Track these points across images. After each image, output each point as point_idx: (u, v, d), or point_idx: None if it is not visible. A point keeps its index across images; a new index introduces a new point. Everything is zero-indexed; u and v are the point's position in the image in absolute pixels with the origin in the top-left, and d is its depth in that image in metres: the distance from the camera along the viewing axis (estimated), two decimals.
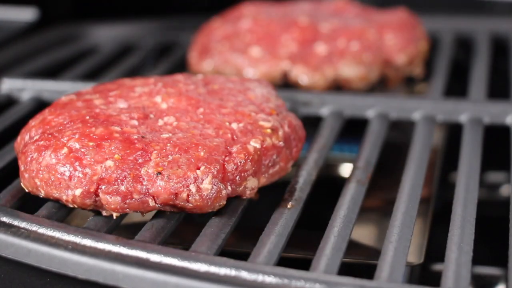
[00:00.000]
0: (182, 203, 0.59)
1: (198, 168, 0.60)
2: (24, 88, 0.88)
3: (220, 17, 1.00)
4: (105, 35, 1.14)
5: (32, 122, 0.66)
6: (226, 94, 0.70)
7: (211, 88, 0.71)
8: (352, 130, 0.83)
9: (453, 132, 0.87)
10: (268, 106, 0.68)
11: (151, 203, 0.59)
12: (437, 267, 0.79)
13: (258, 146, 0.63)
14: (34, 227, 0.59)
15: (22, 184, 0.63)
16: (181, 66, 1.01)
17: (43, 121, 0.65)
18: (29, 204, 0.64)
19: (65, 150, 0.60)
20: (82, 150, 0.60)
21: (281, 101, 0.71)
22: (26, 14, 1.16)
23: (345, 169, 0.86)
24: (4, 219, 0.60)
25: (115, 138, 0.61)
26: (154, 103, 0.67)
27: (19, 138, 0.66)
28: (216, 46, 0.94)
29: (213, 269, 0.54)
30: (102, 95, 0.68)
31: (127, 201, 0.59)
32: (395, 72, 0.93)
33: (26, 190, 0.63)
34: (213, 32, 0.97)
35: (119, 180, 0.59)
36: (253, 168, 0.62)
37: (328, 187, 0.76)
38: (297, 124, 0.69)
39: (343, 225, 0.60)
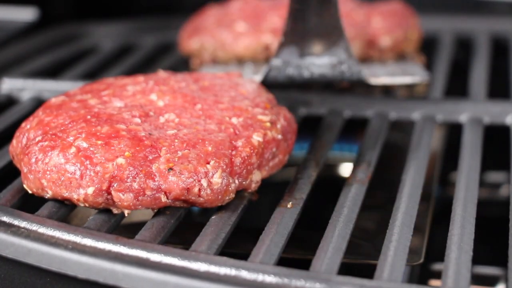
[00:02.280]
0: (194, 198, 0.60)
1: (208, 163, 0.60)
2: (24, 88, 0.88)
3: (214, 4, 1.03)
4: (105, 35, 1.14)
5: (27, 125, 0.66)
6: (219, 90, 0.70)
7: (202, 84, 0.71)
8: (352, 130, 0.83)
9: (453, 132, 0.87)
10: (262, 101, 0.69)
11: (163, 199, 0.60)
12: (437, 266, 0.79)
13: (261, 139, 0.64)
14: (34, 227, 0.59)
15: (25, 185, 0.63)
16: (181, 66, 1.01)
17: (40, 122, 0.65)
18: (30, 203, 0.64)
19: (73, 149, 0.61)
20: (91, 149, 0.61)
21: (271, 95, 0.72)
22: (26, 14, 1.16)
23: (345, 169, 0.87)
24: (5, 218, 0.60)
25: (123, 136, 0.61)
26: (150, 101, 0.68)
27: (14, 141, 0.66)
28: (206, 26, 0.97)
29: (213, 268, 0.54)
30: (94, 95, 0.69)
31: (140, 197, 0.60)
32: (379, 54, 0.94)
33: (30, 192, 0.63)
34: (205, 15, 1.00)
35: (131, 177, 0.59)
36: (258, 162, 0.63)
37: (328, 187, 0.76)
38: (290, 117, 0.70)
39: (343, 225, 0.60)
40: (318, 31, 0.77)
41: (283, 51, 0.78)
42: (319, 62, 0.78)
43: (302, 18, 0.77)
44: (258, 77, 0.81)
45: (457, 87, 0.94)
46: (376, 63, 0.94)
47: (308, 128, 0.79)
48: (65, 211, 0.62)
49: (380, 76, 0.85)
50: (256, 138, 0.64)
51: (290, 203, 0.63)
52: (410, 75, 0.87)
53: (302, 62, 0.79)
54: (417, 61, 0.95)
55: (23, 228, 0.59)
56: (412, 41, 0.96)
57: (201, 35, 0.96)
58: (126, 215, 0.61)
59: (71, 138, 0.62)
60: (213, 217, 0.61)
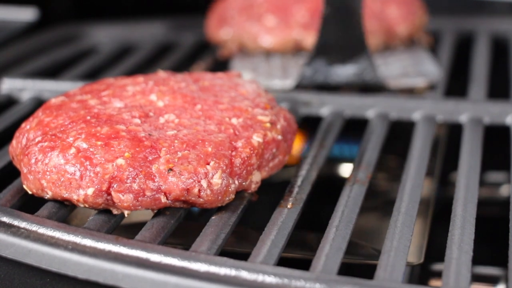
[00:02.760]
0: (194, 199, 0.60)
1: (208, 164, 0.60)
2: (24, 88, 0.88)
3: None
4: (105, 35, 1.14)
5: (27, 125, 0.66)
6: (219, 90, 0.70)
7: (202, 84, 0.71)
8: (352, 130, 0.83)
9: (453, 132, 0.87)
10: (261, 101, 0.69)
11: (163, 199, 0.60)
12: (437, 267, 0.79)
13: (261, 140, 0.64)
14: (34, 227, 0.59)
15: (25, 186, 0.63)
16: (181, 66, 1.01)
17: (40, 123, 0.65)
18: (30, 204, 0.64)
19: (73, 150, 0.61)
20: (91, 149, 0.60)
21: (270, 96, 0.72)
22: (26, 14, 1.16)
23: (345, 169, 0.86)
24: (4, 219, 0.60)
25: (123, 137, 0.61)
26: (150, 102, 0.68)
27: (14, 142, 0.66)
28: (233, 15, 1.00)
29: (213, 269, 0.54)
30: (94, 96, 0.69)
31: (140, 198, 0.59)
32: (398, 42, 0.99)
33: (30, 192, 0.63)
34: (229, 2, 1.03)
35: (131, 178, 0.59)
36: (258, 162, 0.63)
37: (328, 187, 0.76)
38: (290, 117, 0.70)
39: (343, 225, 0.60)
40: (344, 44, 0.87)
41: (313, 62, 0.88)
42: (344, 72, 0.87)
43: (330, 34, 0.87)
44: (289, 82, 0.89)
45: (457, 87, 0.94)
46: (388, 53, 0.98)
47: (308, 128, 0.79)
48: (65, 212, 0.62)
49: (396, 77, 0.91)
50: (256, 138, 0.64)
51: (290, 203, 0.63)
52: (424, 75, 0.91)
53: (329, 71, 0.87)
54: (424, 44, 1.00)
55: (23, 228, 0.59)
56: (422, 25, 1.01)
57: (231, 27, 0.99)
58: (126, 215, 0.61)
59: (71, 138, 0.62)
60: (213, 218, 0.61)
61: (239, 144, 0.63)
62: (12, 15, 1.16)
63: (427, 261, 0.76)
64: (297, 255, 0.69)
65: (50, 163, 0.61)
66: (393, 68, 0.93)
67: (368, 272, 0.57)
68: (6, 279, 0.60)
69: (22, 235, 0.58)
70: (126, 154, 0.60)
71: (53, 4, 1.24)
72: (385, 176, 0.82)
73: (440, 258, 0.57)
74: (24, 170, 0.62)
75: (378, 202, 0.80)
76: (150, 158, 0.60)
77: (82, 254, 0.56)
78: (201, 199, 0.60)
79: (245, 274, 0.54)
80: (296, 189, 0.65)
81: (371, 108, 0.81)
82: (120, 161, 0.60)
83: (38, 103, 0.85)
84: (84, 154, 0.60)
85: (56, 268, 0.56)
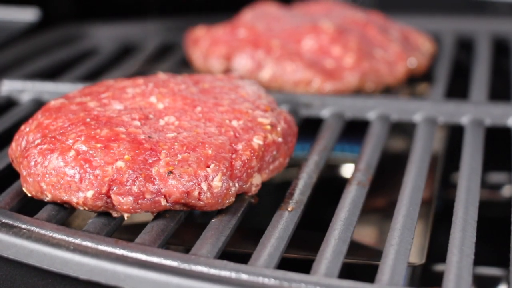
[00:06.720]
0: (194, 202, 0.60)
1: (208, 166, 0.60)
2: (24, 89, 0.88)
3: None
4: (106, 35, 1.14)
5: (26, 128, 0.66)
6: (219, 92, 0.70)
7: (202, 87, 0.71)
8: (353, 132, 0.83)
9: (455, 134, 0.86)
10: (262, 103, 0.69)
11: (163, 202, 0.60)
12: (438, 267, 0.79)
13: (261, 142, 0.64)
14: (34, 230, 0.59)
15: (24, 189, 0.63)
16: (181, 68, 1.01)
17: (39, 125, 0.65)
18: (29, 207, 0.64)
19: (72, 152, 0.60)
20: (90, 152, 0.60)
21: (271, 98, 0.72)
22: (27, 15, 1.16)
23: (346, 171, 0.86)
24: (4, 221, 0.60)
25: (122, 139, 0.61)
26: (150, 104, 0.68)
27: (13, 144, 0.66)
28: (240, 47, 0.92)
29: (213, 272, 0.54)
30: (94, 98, 0.68)
31: (139, 201, 0.59)
32: (422, 57, 0.96)
33: (29, 195, 0.63)
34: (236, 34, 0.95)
35: (131, 181, 0.59)
36: (258, 165, 0.63)
37: (329, 189, 0.76)
38: (291, 119, 0.70)
39: (343, 228, 0.60)
40: None
41: None
42: None
43: None
44: None
45: (458, 88, 0.94)
46: None
47: (309, 130, 0.79)
48: (65, 214, 0.62)
49: None
50: (257, 141, 0.64)
51: (291, 206, 0.63)
52: None
53: None
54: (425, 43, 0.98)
55: (25, 229, 0.59)
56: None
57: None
58: (125, 218, 0.61)
59: (70, 141, 0.61)
60: (213, 220, 0.61)
61: (240, 146, 0.63)
62: (13, 15, 1.16)
63: (429, 262, 0.76)
64: (298, 255, 0.69)
65: (49, 165, 0.61)
66: None
67: (369, 273, 0.57)
68: (8, 280, 0.60)
69: (24, 235, 0.58)
70: (126, 156, 0.60)
71: (54, 4, 1.23)
72: (386, 178, 0.82)
73: (442, 258, 0.57)
74: (23, 172, 0.62)
75: (379, 204, 0.80)
76: (150, 160, 0.60)
77: (84, 255, 0.56)
78: (201, 202, 0.60)
79: (245, 277, 0.53)
80: (296, 192, 0.65)
81: (372, 110, 0.81)
82: (120, 163, 0.60)
83: (38, 105, 0.85)
84: (83, 157, 0.60)
85: (58, 268, 0.56)
